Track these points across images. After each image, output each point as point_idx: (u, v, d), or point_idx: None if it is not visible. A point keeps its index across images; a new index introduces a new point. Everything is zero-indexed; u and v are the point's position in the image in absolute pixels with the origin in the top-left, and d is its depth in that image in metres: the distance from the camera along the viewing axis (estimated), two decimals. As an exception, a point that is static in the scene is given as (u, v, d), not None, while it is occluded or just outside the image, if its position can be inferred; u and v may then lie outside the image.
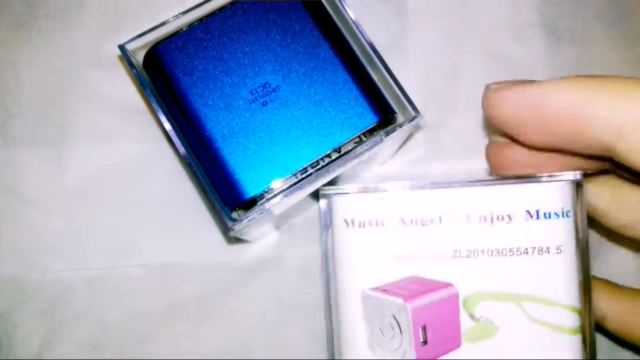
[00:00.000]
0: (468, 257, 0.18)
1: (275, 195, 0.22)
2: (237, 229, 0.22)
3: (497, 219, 0.18)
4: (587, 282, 0.18)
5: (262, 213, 0.22)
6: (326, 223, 0.18)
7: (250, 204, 0.22)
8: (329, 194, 0.18)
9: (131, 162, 0.26)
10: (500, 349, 0.18)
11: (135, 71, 0.23)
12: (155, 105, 0.23)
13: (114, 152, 0.26)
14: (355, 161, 0.22)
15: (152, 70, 0.24)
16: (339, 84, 0.23)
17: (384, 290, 0.18)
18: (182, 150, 0.22)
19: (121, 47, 0.23)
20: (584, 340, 0.18)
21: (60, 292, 0.26)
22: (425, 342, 0.18)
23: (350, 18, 0.23)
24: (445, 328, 0.18)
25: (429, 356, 0.18)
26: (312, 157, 0.22)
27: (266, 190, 0.22)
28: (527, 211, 0.18)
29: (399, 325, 0.18)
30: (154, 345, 0.26)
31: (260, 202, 0.22)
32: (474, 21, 0.28)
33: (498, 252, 0.18)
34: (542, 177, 0.18)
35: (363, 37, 0.23)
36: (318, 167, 0.22)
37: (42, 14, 0.27)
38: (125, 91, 0.27)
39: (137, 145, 0.26)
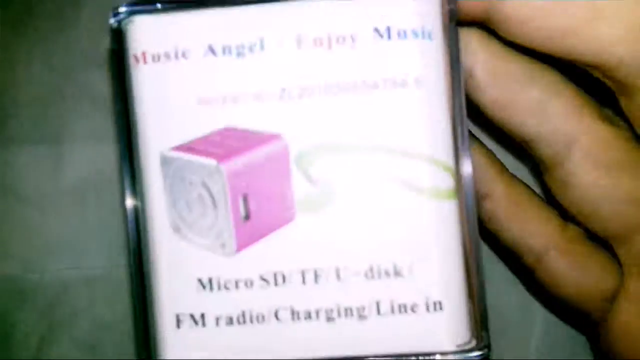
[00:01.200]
0: (300, 97, 0.13)
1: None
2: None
3: (337, 41, 0.13)
4: (461, 130, 0.13)
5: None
6: (112, 65, 0.14)
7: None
8: (116, 23, 0.14)
9: (129, 161, 0.26)
10: (346, 217, 0.13)
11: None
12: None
13: (112, 151, 0.26)
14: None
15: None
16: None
17: (190, 148, 0.13)
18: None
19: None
20: (459, 209, 0.13)
21: (59, 291, 0.26)
22: (247, 216, 0.13)
23: None
24: (274, 195, 0.13)
25: (254, 235, 0.13)
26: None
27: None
28: (376, 29, 0.13)
29: (211, 197, 0.13)
30: (152, 345, 0.26)
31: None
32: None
33: (339, 87, 0.13)
34: None
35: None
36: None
37: (39, 13, 0.26)
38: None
39: None
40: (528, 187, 0.18)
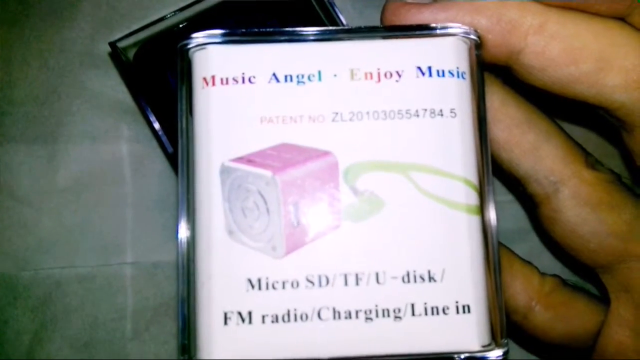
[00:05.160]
0: (351, 120, 0.15)
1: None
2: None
3: (385, 76, 0.15)
4: (485, 156, 0.15)
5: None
6: (181, 87, 0.16)
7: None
8: (186, 49, 0.16)
9: (123, 161, 0.27)
10: (387, 227, 0.15)
11: (125, 69, 0.23)
12: (144, 104, 0.23)
13: (106, 151, 0.26)
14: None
15: (143, 68, 0.24)
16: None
17: (249, 161, 0.15)
18: (170, 149, 0.23)
19: (112, 45, 0.23)
20: (483, 225, 0.15)
21: (52, 289, 0.26)
22: (297, 223, 0.15)
23: (341, 22, 0.22)
24: (322, 205, 0.15)
25: (302, 240, 0.15)
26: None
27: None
28: (419, 67, 0.15)
29: (265, 204, 0.15)
30: (143, 343, 0.26)
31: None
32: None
33: (385, 114, 0.15)
34: (435, 28, 0.16)
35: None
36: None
37: (35, 12, 0.27)
38: (118, 90, 0.26)
39: (129, 144, 0.27)
40: (507, 248, 0.20)
